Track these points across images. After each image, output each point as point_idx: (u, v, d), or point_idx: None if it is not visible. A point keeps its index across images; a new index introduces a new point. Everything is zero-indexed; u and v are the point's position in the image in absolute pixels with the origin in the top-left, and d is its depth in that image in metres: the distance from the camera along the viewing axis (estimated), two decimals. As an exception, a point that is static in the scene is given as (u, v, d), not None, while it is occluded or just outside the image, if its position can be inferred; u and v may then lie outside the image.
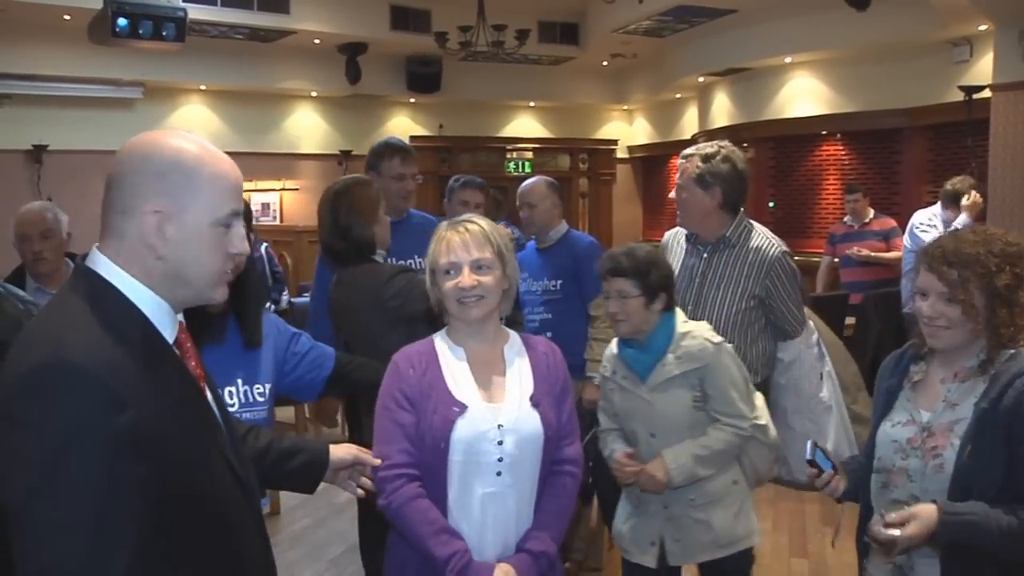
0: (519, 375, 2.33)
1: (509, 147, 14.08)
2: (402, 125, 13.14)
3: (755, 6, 9.21)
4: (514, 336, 2.42)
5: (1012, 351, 2.12)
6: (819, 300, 6.90)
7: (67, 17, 8.93)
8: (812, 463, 2.33)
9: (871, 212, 7.79)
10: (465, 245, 2.29)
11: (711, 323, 3.17)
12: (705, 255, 3.47)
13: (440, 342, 2.38)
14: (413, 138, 13.10)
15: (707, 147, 3.45)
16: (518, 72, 12.63)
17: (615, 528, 3.15)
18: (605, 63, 12.73)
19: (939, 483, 2.13)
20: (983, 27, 7.69)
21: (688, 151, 3.48)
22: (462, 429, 2.22)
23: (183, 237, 1.47)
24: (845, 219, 7.98)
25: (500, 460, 2.22)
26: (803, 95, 10.26)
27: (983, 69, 7.81)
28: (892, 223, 7.70)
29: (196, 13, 8.98)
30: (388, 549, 2.39)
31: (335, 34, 10.67)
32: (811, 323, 3.55)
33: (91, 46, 7.51)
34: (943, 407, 2.20)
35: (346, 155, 12.08)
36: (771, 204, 10.99)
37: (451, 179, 4.84)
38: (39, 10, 8.88)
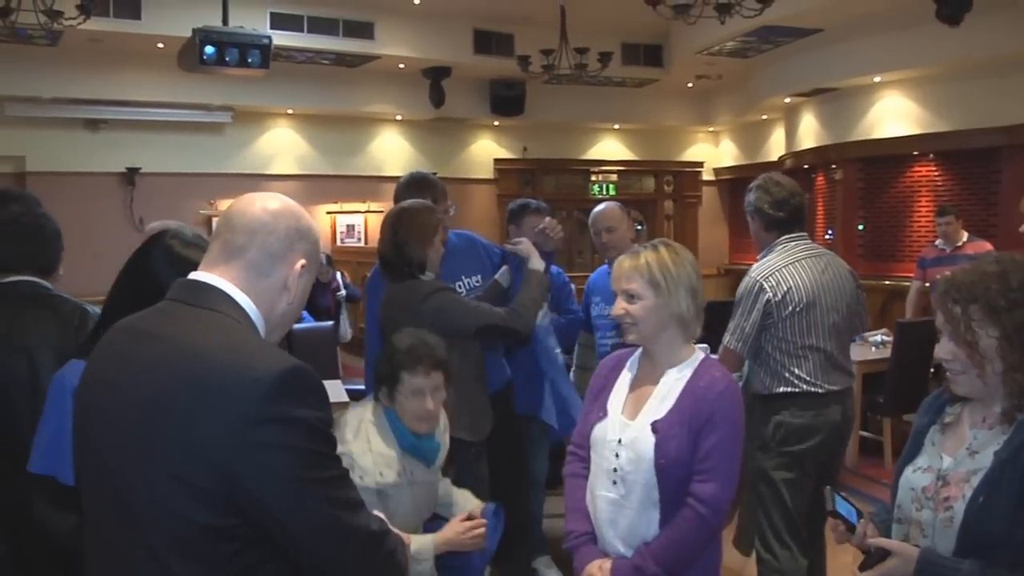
0: (662, 400, 2.42)
1: (593, 169, 14.04)
2: (486, 148, 13.23)
3: (841, 25, 8.99)
4: (690, 363, 2.47)
5: None
6: (908, 326, 6.65)
7: (160, 45, 9.22)
8: (834, 513, 2.04)
9: (964, 235, 7.51)
10: (621, 275, 2.48)
11: None
12: None
13: (635, 353, 2.58)
14: (497, 161, 13.21)
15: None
16: (602, 94, 12.57)
17: None
18: (690, 84, 12.61)
19: (948, 541, 1.88)
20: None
21: None
22: (596, 432, 2.49)
23: (301, 291, 1.72)
24: (936, 242, 7.71)
25: (615, 471, 2.40)
26: (893, 115, 9.99)
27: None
28: (988, 246, 7.39)
29: (283, 39, 9.23)
30: None
31: (419, 58, 10.80)
32: None
33: (182, 73, 7.74)
34: (964, 455, 1.94)
35: (430, 178, 12.17)
36: (860, 227, 10.71)
37: (513, 204, 4.81)
38: (133, 39, 9.21)
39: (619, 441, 2.40)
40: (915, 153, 10.05)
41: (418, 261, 3.35)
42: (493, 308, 3.38)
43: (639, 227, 6.32)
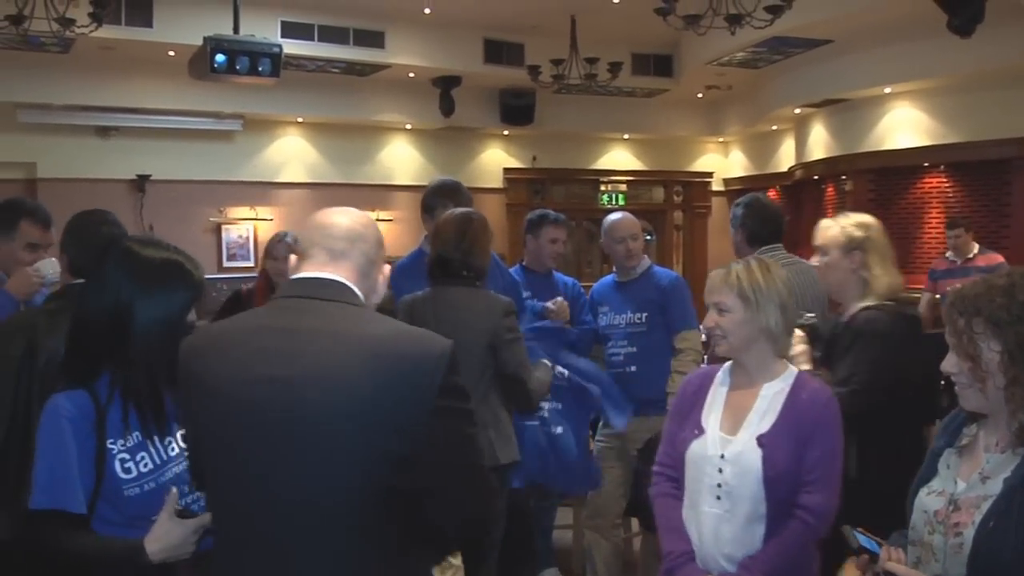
0: (763, 413, 2.48)
1: (603, 179, 13.99)
2: (495, 157, 13.22)
3: (852, 36, 8.99)
4: (787, 376, 2.55)
5: None
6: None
7: (171, 53, 9.25)
8: (859, 550, 2.02)
9: (975, 247, 7.49)
10: (712, 288, 2.59)
11: None
12: None
13: (722, 370, 2.64)
14: (507, 170, 13.20)
15: None
16: (612, 104, 12.53)
17: None
18: (700, 95, 12.59)
19: (958, 566, 1.86)
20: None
21: None
22: (694, 449, 2.51)
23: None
24: (947, 254, 7.68)
25: (719, 486, 2.43)
26: (904, 126, 9.95)
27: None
28: (999, 258, 7.37)
29: (294, 48, 9.26)
30: None
31: (429, 68, 10.80)
32: None
33: (193, 80, 7.76)
34: (977, 480, 1.92)
35: (439, 187, 12.14)
36: (870, 238, 10.65)
37: (532, 214, 4.84)
38: (145, 47, 9.24)
39: (722, 456, 2.44)
40: (925, 164, 10.01)
41: (479, 270, 3.49)
42: (532, 372, 3.53)
43: (648, 237, 6.29)
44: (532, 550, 4.50)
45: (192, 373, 1.84)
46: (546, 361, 3.74)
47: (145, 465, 2.12)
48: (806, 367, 3.02)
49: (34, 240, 3.41)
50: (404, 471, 1.71)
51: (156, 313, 2.16)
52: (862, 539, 2.02)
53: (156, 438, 2.16)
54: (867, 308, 3.06)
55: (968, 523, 1.86)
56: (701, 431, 2.52)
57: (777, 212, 4.18)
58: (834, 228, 3.18)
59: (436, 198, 4.12)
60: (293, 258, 1.96)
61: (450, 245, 3.48)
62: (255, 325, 1.86)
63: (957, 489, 1.95)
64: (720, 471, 2.43)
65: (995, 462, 1.91)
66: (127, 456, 2.10)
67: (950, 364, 1.94)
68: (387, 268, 1.98)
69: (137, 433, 2.13)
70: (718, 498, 2.43)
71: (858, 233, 3.12)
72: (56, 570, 2.15)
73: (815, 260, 3.27)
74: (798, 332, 3.06)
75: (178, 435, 2.22)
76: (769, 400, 2.49)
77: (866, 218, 3.23)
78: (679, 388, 2.74)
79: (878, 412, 2.89)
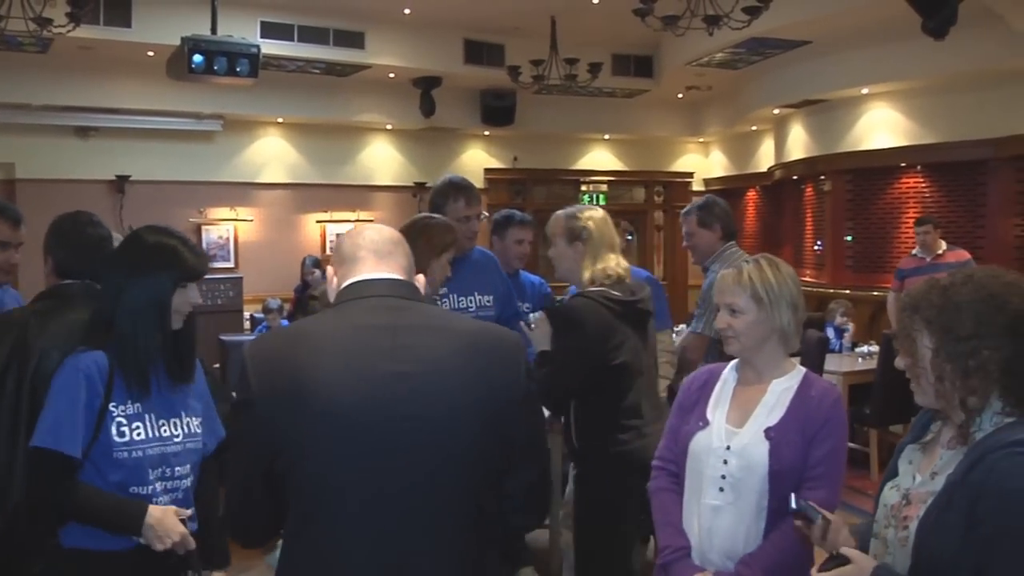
0: (771, 408, 2.47)
1: (583, 180, 14.05)
2: (476, 158, 13.24)
3: (830, 37, 9.05)
4: (795, 374, 2.54)
5: (1011, 420, 1.83)
6: (889, 337, 6.67)
7: (150, 54, 9.22)
8: (799, 514, 2.05)
9: (943, 244, 7.57)
10: (724, 289, 2.56)
11: None
12: None
13: (729, 366, 2.63)
14: (487, 171, 13.21)
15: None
16: (592, 105, 12.59)
17: None
18: (680, 95, 12.64)
19: (905, 558, 1.86)
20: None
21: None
22: (698, 441, 2.50)
23: None
24: (914, 252, 7.76)
25: (723, 477, 2.43)
26: (881, 126, 10.05)
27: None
28: (966, 255, 7.45)
29: (274, 49, 9.26)
30: None
31: (410, 68, 10.81)
32: None
33: (173, 81, 7.75)
34: (928, 475, 1.93)
35: (420, 187, 12.15)
36: (848, 238, 10.75)
37: (498, 215, 4.81)
38: (124, 47, 9.21)
39: (727, 448, 2.43)
40: (903, 165, 10.10)
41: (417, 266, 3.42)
42: None
43: (629, 237, 6.32)
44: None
45: (285, 376, 1.73)
46: None
47: (139, 434, 2.24)
48: (545, 348, 3.23)
49: (4, 238, 3.40)
50: (506, 456, 1.82)
51: (142, 290, 2.29)
52: (801, 504, 2.07)
53: (153, 415, 2.29)
54: (577, 295, 3.28)
55: (913, 517, 1.89)
56: (706, 423, 2.51)
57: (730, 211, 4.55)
58: (561, 220, 3.39)
59: (439, 196, 4.03)
60: (331, 269, 1.96)
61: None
62: (350, 324, 1.81)
63: (913, 484, 1.98)
64: (725, 463, 2.42)
65: (946, 458, 1.93)
66: (124, 421, 2.23)
67: (898, 360, 1.99)
68: (421, 277, 2.00)
69: (138, 405, 2.27)
70: (721, 490, 2.42)
71: (579, 225, 3.32)
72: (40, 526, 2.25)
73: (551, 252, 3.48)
74: (541, 314, 3.37)
75: (173, 421, 2.33)
76: (778, 395, 2.48)
77: (590, 210, 3.43)
78: (683, 384, 2.74)
79: (589, 389, 3.20)
